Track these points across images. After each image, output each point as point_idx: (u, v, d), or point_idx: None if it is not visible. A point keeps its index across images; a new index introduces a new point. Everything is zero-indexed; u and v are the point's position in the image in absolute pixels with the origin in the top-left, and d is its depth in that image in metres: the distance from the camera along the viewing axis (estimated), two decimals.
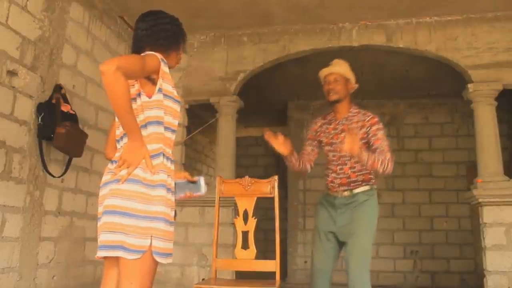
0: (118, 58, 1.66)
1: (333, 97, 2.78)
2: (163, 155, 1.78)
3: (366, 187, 2.72)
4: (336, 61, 2.86)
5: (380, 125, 2.70)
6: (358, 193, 2.71)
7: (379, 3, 4.41)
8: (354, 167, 2.73)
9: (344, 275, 2.64)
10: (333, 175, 2.79)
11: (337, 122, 2.84)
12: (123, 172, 1.71)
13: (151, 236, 1.67)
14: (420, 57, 4.99)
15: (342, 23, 4.79)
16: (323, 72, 2.85)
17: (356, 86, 2.85)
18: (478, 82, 4.46)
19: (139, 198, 1.67)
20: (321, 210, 2.85)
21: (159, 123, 1.79)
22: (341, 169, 2.76)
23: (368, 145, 2.69)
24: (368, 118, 2.74)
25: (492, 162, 4.28)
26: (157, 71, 1.81)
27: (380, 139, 2.65)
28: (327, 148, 2.86)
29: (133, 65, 1.68)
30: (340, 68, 2.80)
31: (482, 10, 4.51)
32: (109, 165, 1.81)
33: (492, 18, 4.55)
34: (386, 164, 2.56)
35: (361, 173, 2.73)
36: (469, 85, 4.49)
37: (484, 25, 4.57)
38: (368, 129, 2.70)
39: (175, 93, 1.90)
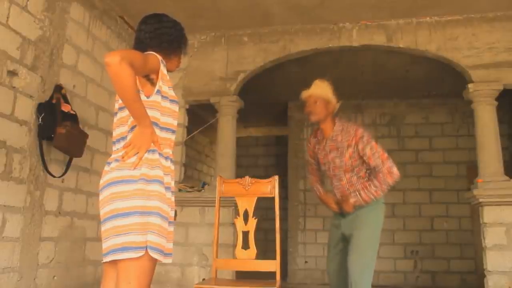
0: (121, 50, 1.67)
1: (313, 118, 2.81)
2: (159, 153, 1.79)
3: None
4: (316, 82, 2.86)
5: (364, 139, 2.68)
6: (359, 208, 2.70)
7: (379, 3, 4.41)
8: (351, 181, 2.76)
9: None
10: (335, 190, 2.86)
11: (325, 142, 2.86)
12: (133, 159, 1.71)
13: (148, 231, 1.67)
14: (420, 57, 4.99)
15: (342, 23, 4.79)
16: (303, 94, 2.85)
17: (338, 105, 2.85)
18: (479, 82, 4.46)
19: (138, 195, 1.68)
20: (331, 220, 2.96)
21: (154, 124, 1.80)
22: (338, 184, 2.82)
23: (361, 158, 2.71)
24: (352, 136, 2.73)
25: (492, 162, 4.28)
26: (156, 71, 1.83)
27: (371, 156, 2.65)
28: (322, 167, 2.93)
29: (136, 59, 1.68)
30: (319, 90, 2.80)
31: (482, 10, 4.51)
32: (106, 167, 1.81)
33: (492, 18, 4.55)
34: (386, 182, 2.62)
35: (358, 184, 2.73)
36: (470, 85, 4.49)
37: (484, 25, 4.57)
38: (354, 148, 2.70)
39: (172, 93, 1.92)
